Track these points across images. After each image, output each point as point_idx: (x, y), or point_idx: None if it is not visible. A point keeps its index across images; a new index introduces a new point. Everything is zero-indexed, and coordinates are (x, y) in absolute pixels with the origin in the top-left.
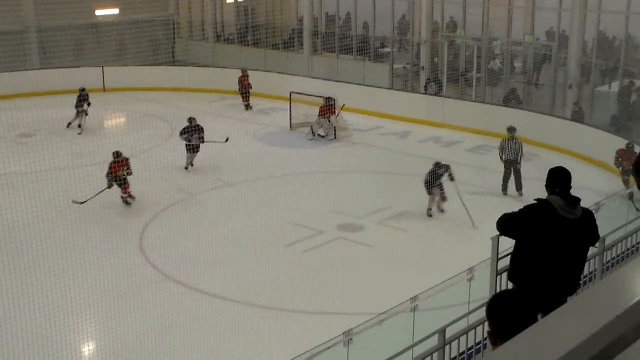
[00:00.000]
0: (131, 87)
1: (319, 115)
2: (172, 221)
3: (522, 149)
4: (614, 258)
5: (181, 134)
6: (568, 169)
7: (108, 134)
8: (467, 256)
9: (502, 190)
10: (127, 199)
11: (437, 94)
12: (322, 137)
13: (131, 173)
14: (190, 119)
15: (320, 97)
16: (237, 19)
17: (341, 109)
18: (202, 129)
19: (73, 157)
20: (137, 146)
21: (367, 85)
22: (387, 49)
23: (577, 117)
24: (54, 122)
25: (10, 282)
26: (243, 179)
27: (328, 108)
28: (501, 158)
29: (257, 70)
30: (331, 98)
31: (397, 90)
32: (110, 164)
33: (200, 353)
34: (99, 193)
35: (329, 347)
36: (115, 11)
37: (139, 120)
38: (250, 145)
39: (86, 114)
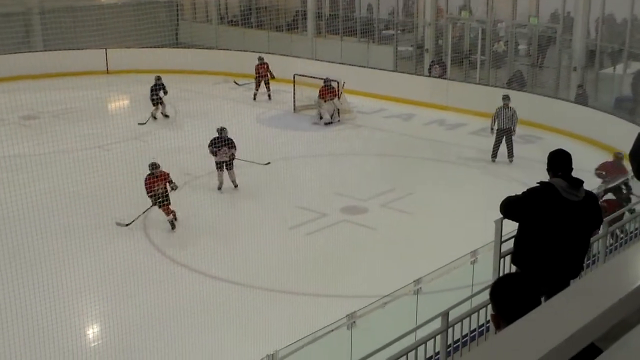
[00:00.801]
0: (135, 69)
1: (319, 98)
2: (175, 203)
3: (516, 118)
4: (617, 241)
5: (209, 146)
6: (572, 152)
7: (112, 116)
8: (470, 239)
9: (492, 157)
10: (173, 221)
11: (442, 76)
12: (329, 123)
13: (175, 187)
14: (221, 130)
15: (324, 79)
16: (240, 1)
17: (342, 88)
18: (233, 143)
19: (77, 140)
20: (141, 129)
21: (371, 68)
22: (391, 32)
23: (582, 99)
24: (58, 104)
25: (12, 264)
26: (246, 162)
27: (328, 90)
28: (492, 127)
29: (260, 52)
30: (328, 79)
31: (401, 72)
32: (146, 178)
33: (203, 335)
34: (144, 212)
35: (332, 330)
36: None
37: (143, 102)
38: (253, 127)
39: (162, 103)
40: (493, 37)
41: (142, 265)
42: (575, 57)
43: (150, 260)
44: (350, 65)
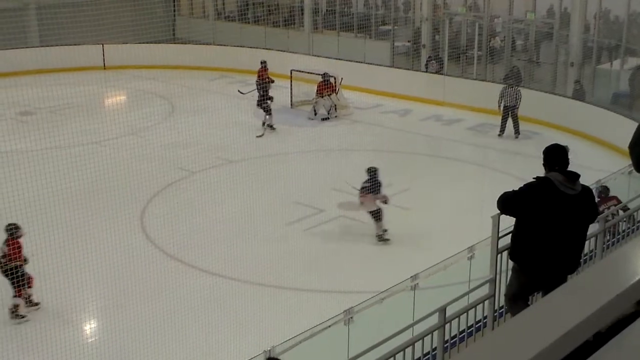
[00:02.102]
0: (131, 65)
1: (317, 93)
2: (173, 199)
3: (520, 96)
4: (615, 237)
5: (362, 189)
6: (569, 146)
7: (108, 112)
8: (467, 235)
9: (500, 132)
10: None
11: (438, 72)
12: (326, 119)
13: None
14: (372, 171)
15: (320, 75)
16: None
17: (340, 83)
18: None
19: (73, 136)
20: (138, 124)
21: (368, 63)
22: (388, 27)
23: (579, 95)
24: (54, 100)
25: None
26: (243, 157)
27: (326, 85)
28: (499, 105)
29: (257, 48)
30: (327, 74)
31: (398, 68)
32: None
33: (200, 332)
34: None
35: (329, 326)
36: None
37: (140, 98)
38: (250, 123)
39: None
40: (490, 33)
41: (139, 261)
42: (572, 52)
43: (146, 256)
44: (347, 60)
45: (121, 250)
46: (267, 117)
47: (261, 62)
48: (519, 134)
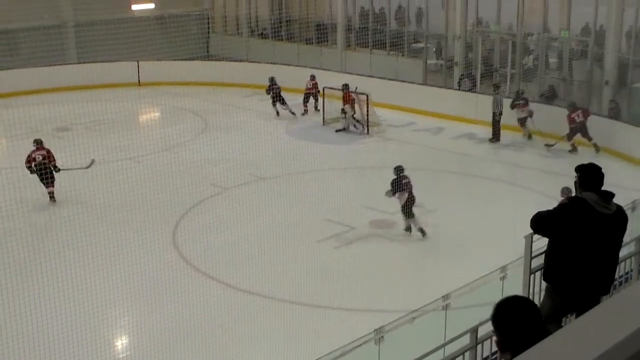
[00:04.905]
0: (166, 82)
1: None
2: (205, 215)
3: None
4: None
5: (393, 187)
6: (604, 166)
7: (143, 128)
8: (499, 254)
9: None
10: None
11: (471, 90)
12: (341, 130)
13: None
14: (399, 170)
15: (353, 92)
16: (271, 14)
17: (368, 100)
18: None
19: (108, 151)
20: (171, 140)
21: (400, 81)
22: (420, 44)
23: (614, 113)
24: (90, 116)
25: (41, 274)
26: (276, 174)
27: (347, 95)
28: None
29: (290, 65)
30: (347, 85)
31: (430, 86)
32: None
33: (230, 349)
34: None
35: (360, 345)
36: (150, 6)
37: (174, 114)
38: (282, 140)
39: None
40: (523, 51)
41: (170, 276)
42: (607, 70)
43: (178, 272)
44: (379, 78)
45: (153, 266)
46: (284, 106)
47: (310, 77)
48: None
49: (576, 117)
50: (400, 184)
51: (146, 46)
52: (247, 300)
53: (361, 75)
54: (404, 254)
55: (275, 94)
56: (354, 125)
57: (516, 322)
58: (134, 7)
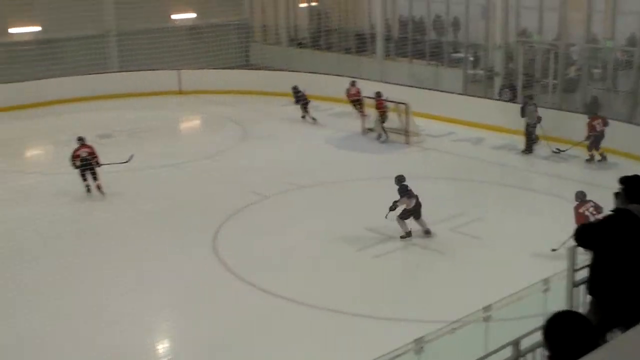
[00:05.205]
0: (206, 90)
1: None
2: (245, 223)
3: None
4: None
5: (400, 194)
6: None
7: (183, 135)
8: (541, 267)
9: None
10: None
11: (512, 100)
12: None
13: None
14: (401, 179)
15: (392, 102)
16: (310, 23)
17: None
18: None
19: (149, 158)
20: (212, 148)
21: (440, 91)
22: (460, 54)
23: None
24: (131, 124)
25: (85, 279)
26: (315, 183)
27: (379, 103)
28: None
29: (329, 74)
30: (379, 93)
31: (470, 96)
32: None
33: (267, 355)
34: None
35: (399, 355)
36: (191, 15)
37: (214, 122)
38: (322, 149)
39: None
40: (566, 61)
41: (209, 281)
42: None
43: (217, 278)
44: (419, 88)
45: (193, 272)
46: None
47: (351, 83)
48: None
49: (597, 125)
50: (406, 191)
51: (187, 55)
52: (285, 308)
53: (400, 84)
54: (443, 264)
55: (302, 100)
56: (379, 135)
57: (569, 337)
58: (174, 16)
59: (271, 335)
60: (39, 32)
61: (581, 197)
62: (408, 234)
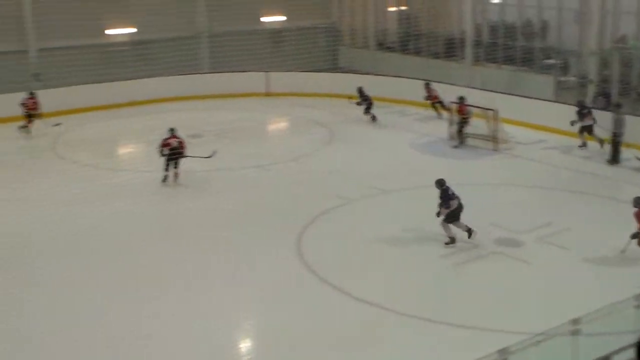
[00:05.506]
0: (293, 92)
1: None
2: (328, 226)
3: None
4: None
5: (442, 199)
6: None
7: (270, 137)
8: (632, 282)
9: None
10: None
11: (606, 108)
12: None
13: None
14: (441, 182)
15: (480, 107)
16: (398, 27)
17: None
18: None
19: (237, 159)
20: (298, 150)
21: (531, 98)
22: (552, 61)
23: None
24: (220, 124)
25: (170, 276)
26: (400, 188)
27: (462, 108)
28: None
29: (416, 78)
30: (462, 97)
31: (562, 103)
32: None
33: (345, 358)
34: None
35: None
36: (281, 18)
37: (300, 125)
38: (407, 153)
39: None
40: None
41: (294, 283)
42: None
43: (301, 279)
44: (508, 94)
45: (277, 272)
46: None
47: (425, 84)
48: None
49: None
50: (448, 195)
51: (275, 57)
52: (368, 312)
53: (489, 90)
54: (529, 274)
55: (366, 102)
56: (458, 139)
57: None
58: (264, 19)
59: (352, 340)
60: (133, 33)
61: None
62: (452, 240)
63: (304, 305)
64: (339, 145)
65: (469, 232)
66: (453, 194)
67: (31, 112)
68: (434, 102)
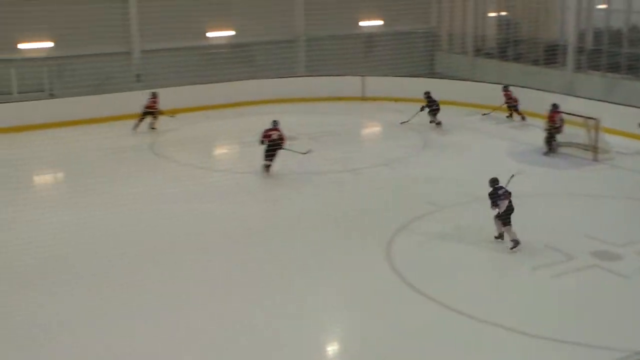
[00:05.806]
0: (389, 97)
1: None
2: (418, 232)
3: None
4: None
5: (491, 198)
6: None
7: (364, 141)
8: None
9: None
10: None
11: None
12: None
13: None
14: (494, 181)
15: (581, 116)
16: (498, 33)
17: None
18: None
19: (329, 163)
20: (390, 155)
21: (635, 107)
22: None
23: None
24: (314, 127)
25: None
26: None
27: (553, 115)
28: None
29: (515, 85)
30: (555, 105)
31: None
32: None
33: None
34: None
35: None
36: (379, 22)
37: (394, 129)
38: (503, 161)
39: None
40: None
41: (383, 290)
42: None
43: (390, 286)
44: (611, 103)
45: (366, 278)
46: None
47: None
48: None
49: None
50: (497, 195)
51: (371, 61)
52: (459, 322)
53: (590, 99)
54: (629, 289)
55: (433, 106)
56: (547, 147)
57: None
58: (362, 23)
59: (443, 349)
60: (233, 36)
61: None
62: (516, 243)
63: (391, 311)
64: (433, 152)
65: (515, 243)
66: (504, 193)
67: (149, 111)
68: (511, 105)
